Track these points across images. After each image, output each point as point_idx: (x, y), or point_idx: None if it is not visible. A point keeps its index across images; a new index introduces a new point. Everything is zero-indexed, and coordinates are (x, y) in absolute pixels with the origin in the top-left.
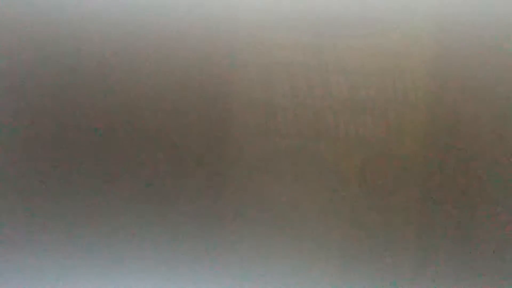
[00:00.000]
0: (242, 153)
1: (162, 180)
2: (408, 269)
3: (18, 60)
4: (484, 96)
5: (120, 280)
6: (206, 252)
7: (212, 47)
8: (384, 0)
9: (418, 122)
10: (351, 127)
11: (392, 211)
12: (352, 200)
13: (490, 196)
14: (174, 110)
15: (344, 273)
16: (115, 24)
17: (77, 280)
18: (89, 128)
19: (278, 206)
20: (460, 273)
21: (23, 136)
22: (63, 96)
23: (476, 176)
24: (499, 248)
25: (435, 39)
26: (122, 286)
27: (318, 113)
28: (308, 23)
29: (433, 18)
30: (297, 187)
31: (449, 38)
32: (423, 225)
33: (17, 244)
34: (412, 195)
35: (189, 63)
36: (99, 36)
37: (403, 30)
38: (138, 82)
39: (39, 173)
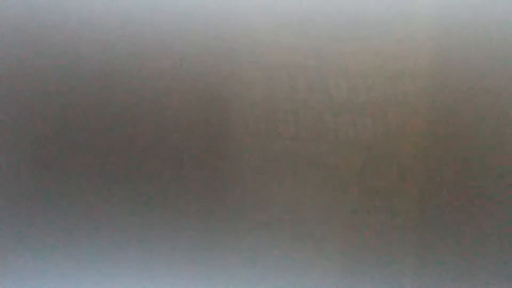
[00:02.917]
0: (242, 155)
1: (162, 181)
2: (409, 271)
3: (18, 61)
4: (484, 98)
5: (120, 280)
6: (206, 253)
7: (212, 49)
8: (384, 3)
9: (418, 125)
10: (351, 129)
11: (392, 213)
12: (352, 202)
13: (490, 198)
14: (174, 111)
15: (344, 274)
16: (115, 25)
17: (77, 280)
18: (89, 129)
19: (278, 207)
20: (461, 274)
21: (24, 137)
22: (63, 97)
23: (476, 178)
24: (499, 249)
25: (435, 41)
26: (122, 286)
27: (318, 115)
28: (308, 26)
29: (433, 21)
30: (297, 189)
31: (449, 40)
32: (423, 227)
33: (17, 244)
34: (412, 197)
35: (189, 64)
36: (99, 38)
37: (403, 33)
38: (138, 83)
39: (39, 173)
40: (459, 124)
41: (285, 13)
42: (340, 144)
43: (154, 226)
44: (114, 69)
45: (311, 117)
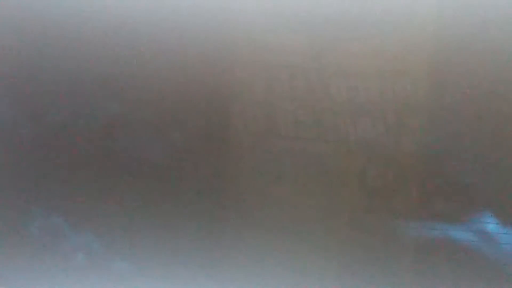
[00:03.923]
0: (242, 155)
1: (162, 180)
2: (408, 270)
3: (18, 60)
4: (484, 97)
5: (120, 280)
6: (206, 252)
7: (212, 50)
8: (384, 3)
9: (418, 124)
10: (351, 129)
11: (392, 212)
12: (351, 201)
13: (491, 197)
14: (175, 111)
15: (344, 274)
16: (116, 26)
17: (76, 280)
18: (90, 128)
19: (278, 207)
20: (460, 274)
21: (24, 136)
22: (64, 97)
23: (477, 177)
24: (499, 248)
25: (434, 41)
26: (122, 285)
27: (318, 115)
28: (308, 26)
29: (432, 21)
30: (297, 188)
31: (448, 41)
32: (422, 226)
33: (17, 244)
34: (411, 196)
35: (190, 65)
36: (100, 38)
37: (403, 33)
38: (139, 83)
39: (39, 172)
40: (459, 124)
41: (285, 13)
42: (340, 143)
43: (154, 225)
44: (113, 69)
45: (311, 117)
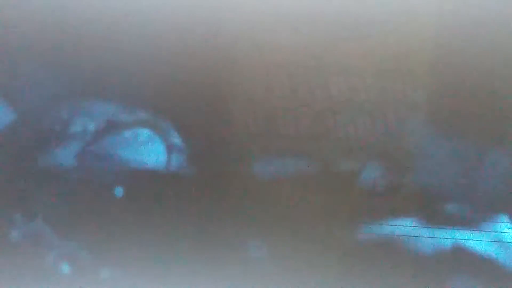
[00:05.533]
0: (242, 154)
1: (162, 181)
2: (408, 271)
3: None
4: (484, 97)
5: (119, 280)
6: (206, 252)
7: (212, 49)
8: (384, 3)
9: (417, 123)
10: (351, 128)
11: (392, 211)
12: (351, 201)
13: (491, 196)
14: (175, 111)
15: (344, 274)
16: (117, 25)
17: (77, 279)
18: (90, 128)
19: (278, 206)
20: (460, 274)
21: (24, 136)
22: (64, 98)
23: (477, 177)
24: (498, 248)
25: (434, 41)
26: (122, 285)
27: (317, 114)
28: (308, 25)
29: (432, 21)
30: (297, 188)
31: (448, 40)
32: (421, 225)
33: (17, 243)
34: (411, 195)
35: (190, 64)
36: (100, 37)
37: (402, 33)
38: (138, 83)
39: (39, 172)
40: (457, 123)
41: (285, 13)
42: (340, 143)
43: (154, 226)
44: (114, 68)
45: (310, 116)
